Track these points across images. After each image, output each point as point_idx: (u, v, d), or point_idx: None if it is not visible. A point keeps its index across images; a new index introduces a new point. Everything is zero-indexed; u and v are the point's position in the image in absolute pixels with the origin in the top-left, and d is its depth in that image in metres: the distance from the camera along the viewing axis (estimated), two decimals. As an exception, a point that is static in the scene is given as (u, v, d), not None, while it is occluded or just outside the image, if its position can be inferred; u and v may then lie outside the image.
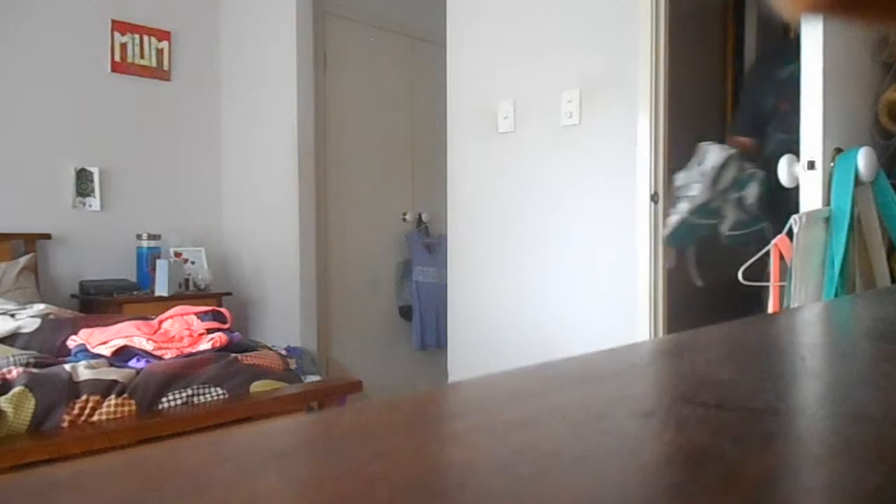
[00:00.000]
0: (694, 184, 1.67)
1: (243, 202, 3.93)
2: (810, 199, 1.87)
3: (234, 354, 2.23)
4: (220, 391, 2.08)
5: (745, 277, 1.90)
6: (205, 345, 2.29)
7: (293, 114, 3.60)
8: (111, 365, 2.07)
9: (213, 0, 4.01)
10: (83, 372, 1.92)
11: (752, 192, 1.64)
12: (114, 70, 3.64)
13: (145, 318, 2.53)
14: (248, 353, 2.29)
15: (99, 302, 3.30)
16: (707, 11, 3.25)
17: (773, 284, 1.84)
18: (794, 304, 1.70)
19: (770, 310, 1.86)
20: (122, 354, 2.18)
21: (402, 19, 4.08)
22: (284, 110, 3.64)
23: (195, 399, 2.03)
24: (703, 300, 2.82)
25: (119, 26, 3.66)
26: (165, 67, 3.82)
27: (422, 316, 3.99)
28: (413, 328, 4.02)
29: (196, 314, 2.47)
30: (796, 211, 1.74)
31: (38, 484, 0.23)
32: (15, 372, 1.87)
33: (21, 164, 3.37)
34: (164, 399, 1.98)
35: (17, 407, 1.75)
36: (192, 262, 3.65)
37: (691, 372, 0.41)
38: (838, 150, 1.84)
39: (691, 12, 2.89)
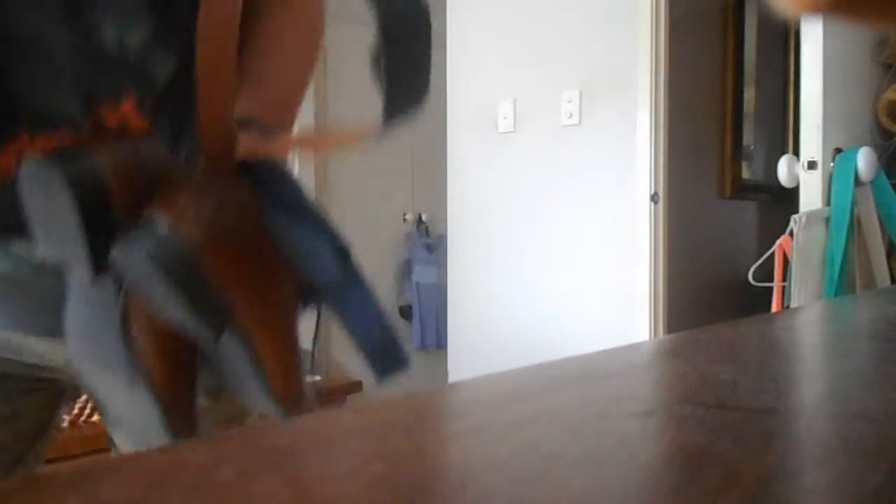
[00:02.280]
0: None
1: (243, 202, 3.92)
2: (810, 199, 1.87)
3: (234, 354, 2.23)
4: (220, 391, 2.08)
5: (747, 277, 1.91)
6: (205, 345, 2.29)
7: (293, 114, 3.60)
8: (111, 365, 2.07)
9: (213, 0, 4.00)
10: (83, 372, 1.93)
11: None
12: (114, 70, 3.64)
13: (145, 318, 2.53)
14: (248, 353, 2.29)
15: (99, 302, 3.30)
16: (707, 11, 3.25)
17: (776, 284, 1.84)
18: (793, 304, 1.70)
19: (773, 309, 1.86)
20: (122, 354, 2.19)
21: (402, 19, 4.08)
22: (284, 110, 3.63)
23: (195, 399, 2.03)
24: (703, 300, 2.83)
25: (119, 26, 3.66)
26: (165, 67, 3.81)
27: (422, 316, 3.98)
28: (413, 328, 4.01)
29: (196, 314, 2.47)
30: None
31: (39, 484, 0.23)
32: (15, 372, 1.87)
33: (21, 164, 3.37)
34: (164, 399, 1.98)
35: (17, 407, 1.75)
36: (192, 262, 3.65)
37: (691, 372, 0.41)
38: (838, 150, 1.84)
39: (692, 12, 2.89)
